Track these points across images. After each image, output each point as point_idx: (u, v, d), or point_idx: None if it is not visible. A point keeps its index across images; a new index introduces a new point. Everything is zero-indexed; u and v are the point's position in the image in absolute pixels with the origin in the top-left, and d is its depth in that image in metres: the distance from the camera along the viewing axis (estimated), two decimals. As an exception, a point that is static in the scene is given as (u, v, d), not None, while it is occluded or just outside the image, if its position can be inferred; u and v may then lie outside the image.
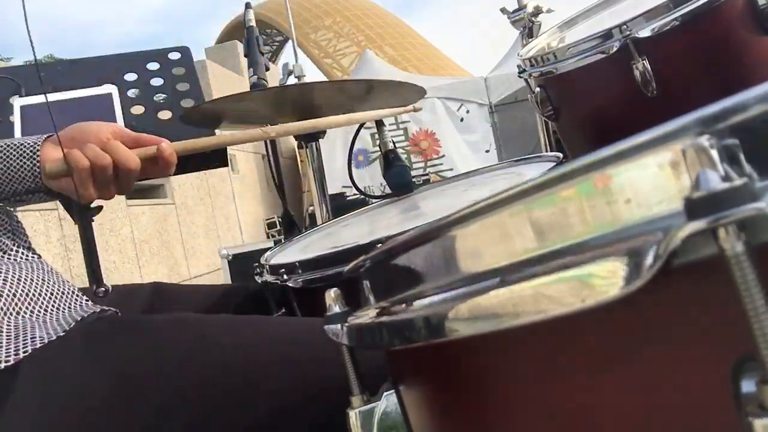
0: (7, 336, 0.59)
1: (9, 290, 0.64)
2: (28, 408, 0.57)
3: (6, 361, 0.57)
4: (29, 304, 0.64)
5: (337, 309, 0.44)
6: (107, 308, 0.68)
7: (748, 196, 0.23)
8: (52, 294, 0.68)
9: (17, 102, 1.39)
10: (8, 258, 0.68)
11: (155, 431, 0.58)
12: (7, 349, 0.58)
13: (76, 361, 0.60)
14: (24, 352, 0.58)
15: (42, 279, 0.68)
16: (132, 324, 0.67)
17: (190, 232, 5.48)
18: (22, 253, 0.71)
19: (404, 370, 0.43)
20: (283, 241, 1.27)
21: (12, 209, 0.78)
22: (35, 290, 0.66)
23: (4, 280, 0.64)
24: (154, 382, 0.60)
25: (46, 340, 0.60)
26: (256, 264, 1.08)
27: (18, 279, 0.65)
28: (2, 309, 0.61)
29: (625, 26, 0.92)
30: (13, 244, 0.71)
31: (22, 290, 0.65)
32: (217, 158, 1.43)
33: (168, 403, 0.59)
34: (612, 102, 1.04)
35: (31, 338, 0.60)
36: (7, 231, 0.72)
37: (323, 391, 0.60)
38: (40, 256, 0.73)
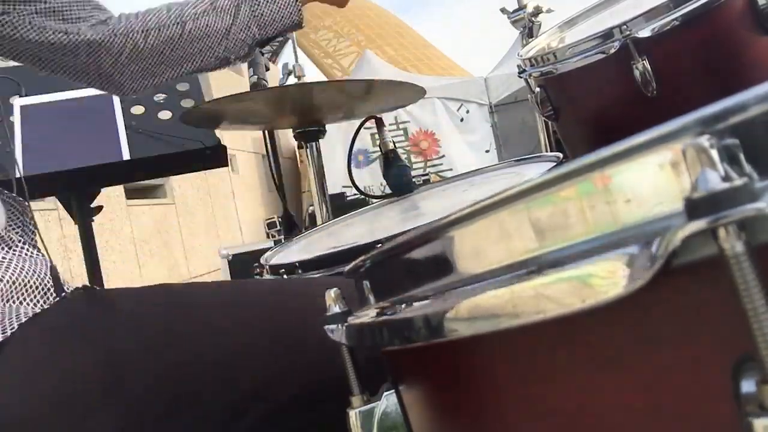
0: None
1: (9, 278, 0.64)
2: (14, 386, 0.57)
3: None
4: (24, 293, 0.65)
5: (337, 309, 0.44)
6: (89, 285, 0.69)
7: (748, 196, 0.23)
8: (48, 290, 0.68)
9: (17, 102, 1.39)
10: (13, 252, 0.68)
11: (143, 404, 0.58)
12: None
13: (57, 336, 0.60)
14: (11, 330, 0.59)
15: (45, 273, 0.69)
16: (113, 295, 0.68)
17: (190, 232, 5.48)
18: (28, 250, 0.72)
19: (404, 370, 0.43)
20: (283, 241, 1.27)
21: (28, 204, 0.78)
22: (33, 283, 0.67)
23: (6, 268, 0.65)
24: (138, 354, 0.60)
25: (30, 314, 0.60)
26: (256, 264, 1.08)
27: (21, 269, 0.66)
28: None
29: (625, 26, 0.92)
30: (20, 240, 0.72)
31: (21, 281, 0.65)
32: (217, 158, 1.44)
33: (154, 374, 0.59)
34: (612, 102, 1.04)
35: (16, 316, 0.60)
36: (17, 226, 0.73)
37: (313, 355, 0.60)
38: (44, 255, 0.74)
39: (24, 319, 0.60)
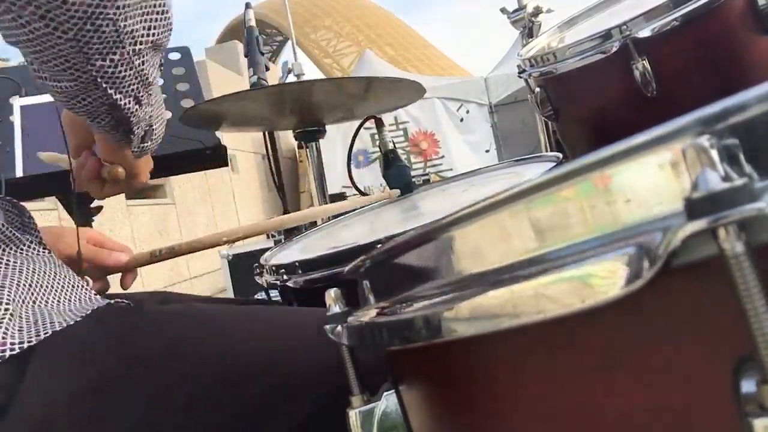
0: (27, 322, 0.61)
1: (25, 281, 0.65)
2: (43, 388, 0.58)
3: (29, 342, 0.59)
4: (44, 294, 0.66)
5: (337, 309, 0.44)
6: (120, 300, 0.71)
7: (748, 196, 0.23)
8: (63, 287, 0.69)
9: (17, 102, 1.39)
10: (20, 252, 0.69)
11: (160, 410, 0.60)
12: (28, 333, 0.60)
13: (86, 345, 0.62)
14: (45, 334, 0.60)
15: (54, 272, 0.70)
16: (140, 312, 0.69)
17: (190, 232, 5.47)
18: (34, 248, 0.72)
19: (404, 370, 0.43)
20: (283, 241, 1.27)
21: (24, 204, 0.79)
22: (48, 282, 0.68)
23: (20, 271, 0.66)
24: (154, 366, 0.62)
25: (65, 324, 0.62)
26: (256, 264, 1.08)
27: (33, 271, 0.67)
28: (20, 298, 0.63)
29: (625, 26, 0.92)
30: (25, 239, 0.73)
31: (37, 281, 0.66)
32: (217, 158, 1.43)
33: (171, 382, 0.61)
34: (612, 102, 1.04)
35: (50, 323, 0.62)
36: (18, 228, 0.74)
37: (322, 375, 0.61)
38: (50, 252, 0.75)
39: (58, 327, 0.61)
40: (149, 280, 4.26)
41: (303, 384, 0.65)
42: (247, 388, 0.63)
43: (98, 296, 0.71)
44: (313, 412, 0.64)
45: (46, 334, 0.60)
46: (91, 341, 0.62)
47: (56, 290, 0.68)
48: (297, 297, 0.95)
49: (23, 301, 0.63)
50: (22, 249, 0.70)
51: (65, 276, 0.71)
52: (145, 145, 0.79)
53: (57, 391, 0.58)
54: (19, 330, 0.60)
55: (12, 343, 0.58)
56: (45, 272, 0.69)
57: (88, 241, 0.91)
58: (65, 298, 0.68)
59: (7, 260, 0.66)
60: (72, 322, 0.63)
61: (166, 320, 0.68)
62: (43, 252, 0.73)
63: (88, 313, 0.65)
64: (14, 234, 0.71)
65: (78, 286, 0.71)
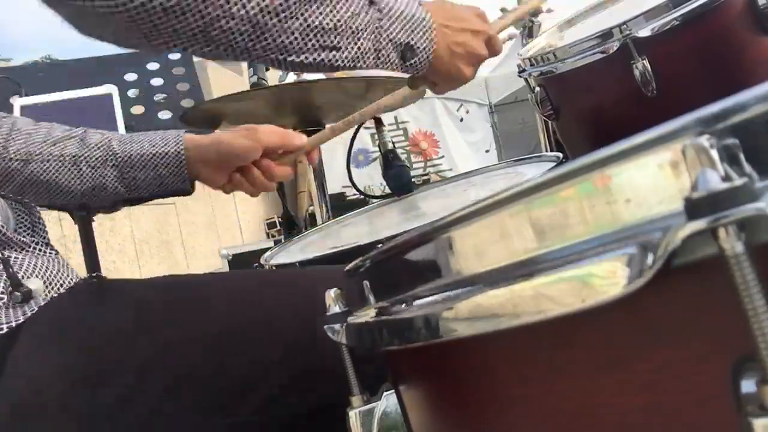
0: (19, 306, 0.63)
1: (23, 276, 0.66)
2: (29, 362, 0.60)
3: (16, 321, 0.61)
4: (46, 291, 0.67)
5: (337, 309, 0.44)
6: (97, 274, 0.72)
7: (748, 196, 0.23)
8: (63, 284, 0.71)
9: (17, 102, 1.39)
10: (26, 252, 0.70)
11: (143, 382, 0.61)
12: (15, 314, 0.62)
13: (64, 321, 0.64)
14: (31, 311, 0.62)
15: (57, 271, 0.71)
16: (117, 285, 0.71)
17: (190, 232, 5.47)
18: (41, 249, 0.74)
19: (404, 370, 0.43)
20: (283, 241, 1.27)
21: (33, 205, 0.80)
22: (49, 280, 0.69)
23: (25, 269, 0.67)
24: (138, 335, 0.63)
25: (48, 299, 0.64)
26: (256, 264, 1.08)
27: (34, 266, 0.68)
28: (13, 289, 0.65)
29: (624, 26, 0.92)
30: (32, 241, 0.74)
31: (35, 276, 0.68)
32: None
33: (153, 355, 0.62)
34: (612, 102, 1.04)
35: (35, 304, 0.63)
36: (27, 228, 0.75)
37: (307, 343, 0.62)
38: (57, 252, 0.76)
39: (36, 308, 0.63)
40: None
41: (284, 353, 0.65)
42: (230, 357, 0.64)
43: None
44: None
45: (32, 311, 0.62)
46: (74, 321, 0.63)
47: (55, 286, 0.69)
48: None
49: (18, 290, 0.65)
50: (28, 250, 0.71)
51: (68, 275, 0.72)
52: (411, 60, 0.71)
53: (40, 369, 0.60)
54: (7, 312, 0.62)
55: (0, 323, 0.61)
56: (47, 269, 0.70)
57: (270, 131, 0.89)
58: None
59: (8, 255, 0.67)
60: (42, 303, 0.64)
61: (142, 297, 0.69)
62: (50, 252, 0.74)
63: (67, 289, 0.66)
64: (16, 237, 0.72)
65: (77, 283, 0.72)
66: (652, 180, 0.25)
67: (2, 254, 0.67)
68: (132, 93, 1.43)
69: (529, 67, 1.12)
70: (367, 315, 0.40)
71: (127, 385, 0.60)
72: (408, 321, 0.34)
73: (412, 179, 1.37)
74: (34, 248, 0.73)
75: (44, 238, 0.76)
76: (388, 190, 1.34)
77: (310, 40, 0.59)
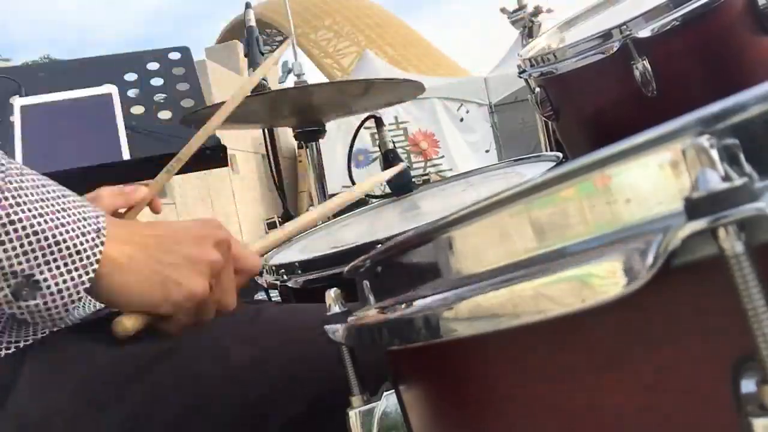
0: (24, 323, 0.61)
1: None
2: (38, 387, 0.59)
3: (25, 341, 0.60)
4: None
5: (337, 309, 0.44)
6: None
7: (748, 196, 0.23)
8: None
9: (17, 102, 1.39)
10: None
11: (152, 410, 0.60)
12: (25, 333, 0.60)
13: (80, 344, 0.62)
14: (42, 334, 0.60)
15: None
16: None
17: (190, 232, 5.46)
18: None
19: (404, 370, 0.43)
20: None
21: None
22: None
23: None
24: (150, 361, 0.62)
25: (52, 329, 0.62)
26: (256, 264, 1.08)
27: None
28: None
29: (625, 26, 0.92)
30: None
31: None
32: (216, 158, 1.43)
33: (164, 382, 0.61)
34: (612, 102, 1.04)
35: (42, 325, 0.61)
36: None
37: (320, 374, 0.62)
38: None
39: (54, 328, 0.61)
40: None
41: (301, 383, 0.65)
42: (243, 388, 0.63)
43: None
44: (312, 412, 0.64)
45: (43, 334, 0.61)
46: (85, 340, 0.62)
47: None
48: (297, 297, 0.95)
49: None
50: None
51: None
52: (30, 301, 0.50)
53: (50, 390, 0.59)
54: (17, 330, 0.60)
55: (8, 342, 0.59)
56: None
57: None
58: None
59: None
60: (70, 324, 0.63)
61: None
62: None
63: (83, 316, 0.65)
64: None
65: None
66: (652, 180, 0.25)
67: None
68: (132, 93, 1.43)
69: (529, 67, 1.12)
70: (367, 315, 0.40)
71: (137, 410, 0.59)
72: (408, 321, 0.34)
73: (412, 179, 1.37)
74: None
75: None
76: (388, 190, 1.34)
77: None
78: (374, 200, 1.41)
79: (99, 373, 0.60)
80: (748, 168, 0.24)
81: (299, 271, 0.92)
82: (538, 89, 1.12)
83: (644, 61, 0.91)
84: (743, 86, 0.26)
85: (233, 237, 0.60)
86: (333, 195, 0.96)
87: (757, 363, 0.23)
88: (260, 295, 1.59)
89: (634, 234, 0.25)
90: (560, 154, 1.16)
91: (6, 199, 0.47)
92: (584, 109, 1.10)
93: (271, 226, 6.95)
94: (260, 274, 1.04)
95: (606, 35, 0.95)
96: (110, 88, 1.41)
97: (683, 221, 0.24)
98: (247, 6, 1.57)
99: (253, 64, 1.56)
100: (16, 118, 1.37)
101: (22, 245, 0.47)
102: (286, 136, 6.11)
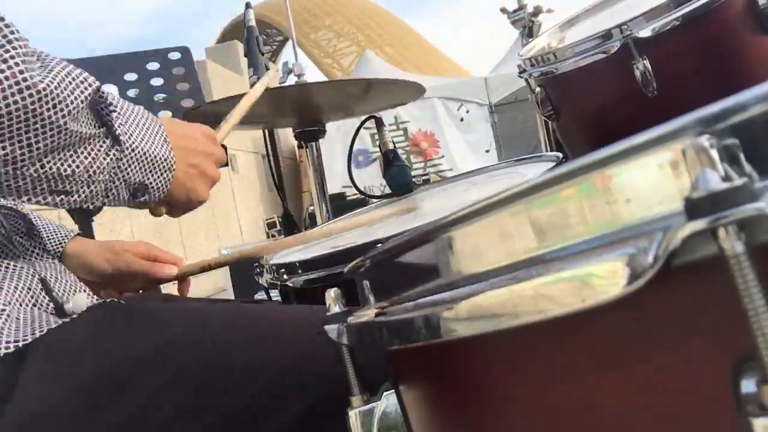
0: (23, 323, 0.62)
1: (24, 284, 0.66)
2: (38, 385, 0.59)
3: (24, 341, 0.60)
4: (43, 297, 0.67)
5: (337, 309, 0.44)
6: (114, 299, 0.71)
7: (748, 196, 0.23)
8: (65, 291, 0.70)
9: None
10: (24, 259, 0.70)
11: (152, 406, 0.60)
12: (24, 332, 0.61)
13: (80, 344, 0.63)
14: (40, 332, 0.61)
15: (55, 278, 0.71)
16: (134, 311, 0.69)
17: (190, 232, 5.47)
18: (38, 254, 0.74)
19: (404, 370, 0.43)
20: (283, 240, 1.27)
21: (27, 213, 0.80)
22: (49, 286, 0.69)
23: (19, 276, 0.67)
24: (152, 358, 0.62)
25: (60, 322, 0.63)
26: (256, 264, 1.08)
27: (32, 275, 0.68)
28: (18, 300, 0.64)
29: (625, 26, 0.92)
30: (30, 245, 0.74)
31: (37, 285, 0.67)
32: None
33: (165, 379, 0.62)
34: (612, 102, 1.04)
35: (46, 323, 0.63)
36: (23, 234, 0.75)
37: (320, 375, 0.62)
38: (54, 257, 0.76)
39: (54, 325, 0.62)
40: (149, 280, 4.25)
41: (301, 383, 0.65)
42: (243, 388, 0.63)
43: (94, 297, 0.72)
44: (312, 412, 0.64)
45: (41, 332, 0.61)
46: (85, 339, 0.63)
47: (58, 294, 0.69)
48: (297, 297, 0.95)
49: (20, 304, 0.64)
50: (26, 256, 0.71)
51: (67, 281, 0.72)
52: (142, 198, 0.69)
53: (52, 388, 0.59)
54: (15, 330, 0.61)
55: (8, 342, 0.59)
56: (47, 277, 0.69)
57: (141, 255, 0.91)
58: (66, 302, 0.69)
59: (7, 264, 0.67)
60: (68, 320, 0.64)
61: (159, 320, 0.68)
62: (46, 257, 0.74)
63: (82, 311, 0.65)
64: (17, 240, 0.71)
65: (80, 291, 0.72)
66: (652, 180, 0.25)
67: (39, 275, 0.67)
68: (132, 93, 1.43)
69: (529, 67, 1.12)
70: (367, 315, 0.40)
71: (140, 406, 0.60)
72: (408, 321, 0.34)
73: (412, 179, 1.37)
74: (31, 252, 0.73)
75: (41, 243, 0.76)
76: (388, 190, 1.34)
77: (41, 185, 0.59)
78: (374, 200, 1.41)
79: (99, 373, 0.61)
80: (748, 168, 0.24)
81: (299, 271, 0.92)
82: (538, 89, 1.11)
83: (645, 61, 0.91)
84: (743, 86, 0.26)
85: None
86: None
87: (757, 363, 0.23)
88: (260, 295, 1.59)
89: (635, 234, 0.25)
90: (560, 154, 1.16)
91: (125, 133, 0.65)
92: (584, 109, 1.10)
93: (271, 226, 6.95)
94: (260, 273, 1.04)
95: (606, 35, 0.95)
96: (110, 88, 1.40)
97: (683, 221, 0.24)
98: (247, 6, 1.57)
99: (253, 64, 1.56)
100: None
101: (137, 162, 0.66)
102: (286, 136, 6.11)
